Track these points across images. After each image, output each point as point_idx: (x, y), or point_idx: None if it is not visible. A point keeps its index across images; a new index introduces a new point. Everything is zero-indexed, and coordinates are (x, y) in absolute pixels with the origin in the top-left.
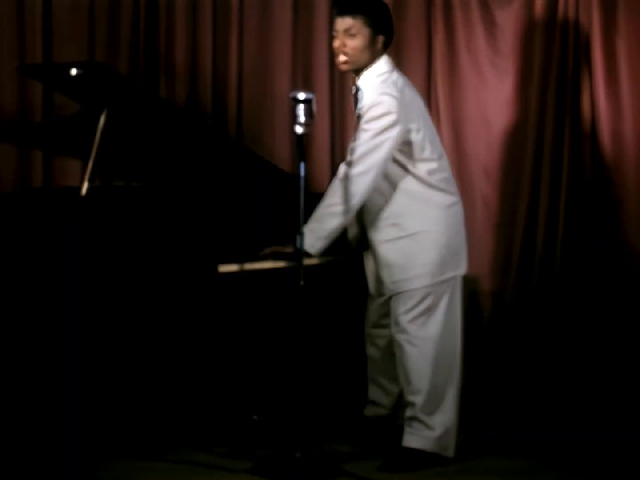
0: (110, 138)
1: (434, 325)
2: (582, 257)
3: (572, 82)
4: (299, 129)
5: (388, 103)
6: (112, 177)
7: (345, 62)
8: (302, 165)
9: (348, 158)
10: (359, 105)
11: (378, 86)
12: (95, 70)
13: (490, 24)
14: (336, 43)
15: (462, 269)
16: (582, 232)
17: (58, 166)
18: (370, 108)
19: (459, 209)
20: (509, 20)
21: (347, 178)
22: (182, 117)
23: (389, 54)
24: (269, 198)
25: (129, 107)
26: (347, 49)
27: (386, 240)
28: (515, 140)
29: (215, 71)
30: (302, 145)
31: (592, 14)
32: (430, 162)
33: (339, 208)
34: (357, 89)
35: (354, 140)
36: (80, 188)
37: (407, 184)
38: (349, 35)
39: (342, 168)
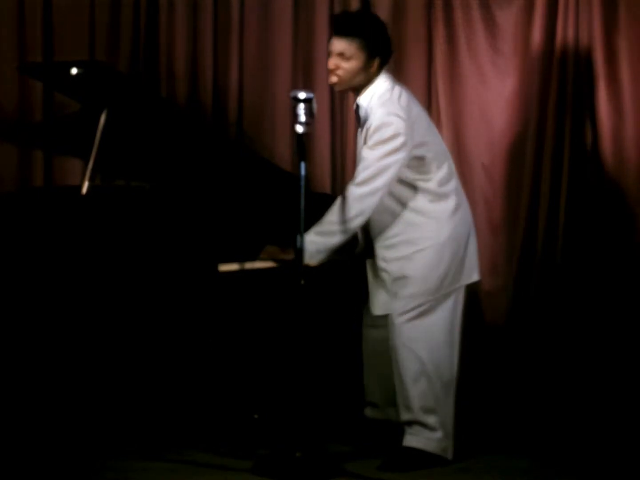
0: (111, 137)
1: (430, 328)
2: (582, 257)
3: (572, 82)
4: (299, 129)
5: (396, 125)
6: (113, 176)
7: (336, 84)
8: (303, 164)
9: (355, 178)
10: (363, 123)
11: (383, 105)
12: (95, 70)
13: (490, 24)
14: (330, 63)
15: (466, 279)
16: (582, 232)
17: (59, 165)
18: (377, 129)
19: (465, 210)
20: (509, 20)
21: (353, 197)
22: (182, 116)
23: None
24: (269, 197)
25: (130, 107)
26: (339, 72)
27: (392, 258)
28: (516, 140)
29: (216, 71)
30: (302, 145)
31: (592, 13)
32: (440, 172)
33: (342, 227)
34: (358, 107)
35: (359, 159)
36: (80, 187)
37: (416, 202)
38: (344, 58)
39: (349, 187)
